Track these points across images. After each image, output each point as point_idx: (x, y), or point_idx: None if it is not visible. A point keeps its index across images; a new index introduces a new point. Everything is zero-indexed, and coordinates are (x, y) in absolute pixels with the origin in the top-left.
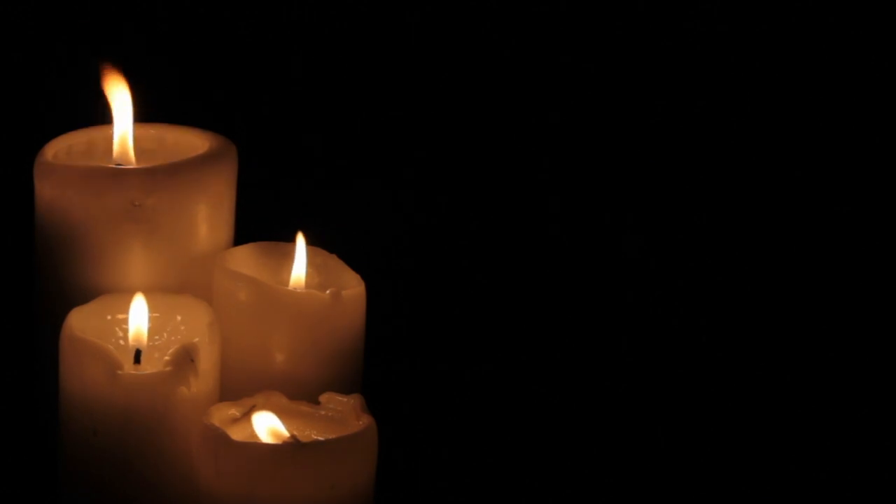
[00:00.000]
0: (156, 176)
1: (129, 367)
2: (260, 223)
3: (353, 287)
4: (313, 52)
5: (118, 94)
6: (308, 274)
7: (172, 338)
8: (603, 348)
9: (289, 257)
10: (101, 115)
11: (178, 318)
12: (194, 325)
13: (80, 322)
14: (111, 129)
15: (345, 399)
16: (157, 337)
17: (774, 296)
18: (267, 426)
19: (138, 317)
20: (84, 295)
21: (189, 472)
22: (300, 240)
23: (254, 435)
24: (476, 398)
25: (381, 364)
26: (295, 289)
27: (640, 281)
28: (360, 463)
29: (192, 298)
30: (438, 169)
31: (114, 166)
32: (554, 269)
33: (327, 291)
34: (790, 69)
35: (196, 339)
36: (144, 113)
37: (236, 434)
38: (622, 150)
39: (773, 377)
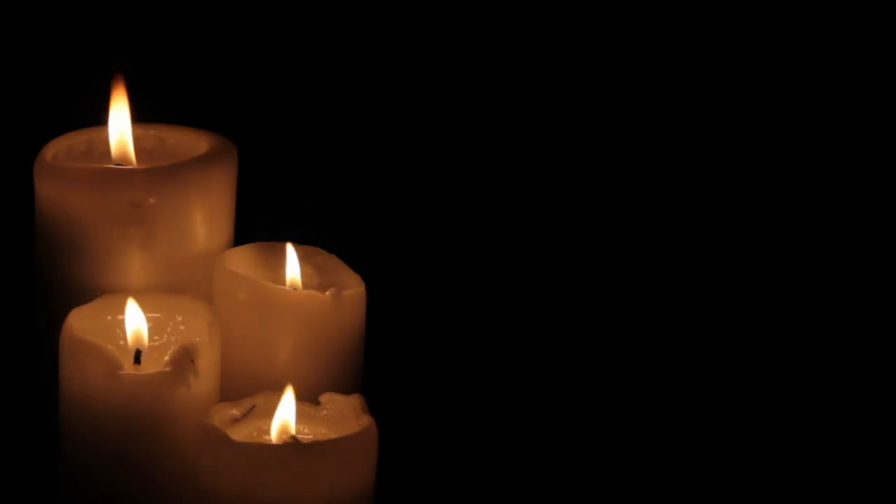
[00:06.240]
0: (156, 176)
1: (129, 368)
2: (260, 223)
3: (353, 287)
4: (313, 52)
5: (117, 98)
6: (308, 274)
7: (172, 338)
8: (604, 344)
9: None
10: (98, 115)
11: (178, 318)
12: (194, 325)
13: (80, 322)
14: (109, 129)
15: (345, 399)
16: (157, 337)
17: (774, 289)
18: (281, 419)
19: (134, 321)
20: (84, 295)
21: (189, 472)
22: (289, 247)
23: (254, 435)
24: (476, 398)
25: (381, 364)
26: (294, 289)
27: (641, 274)
28: (360, 463)
29: (191, 298)
30: (439, 169)
31: (114, 166)
32: (554, 264)
33: (327, 291)
34: (790, 67)
35: (196, 339)
36: (144, 113)
37: (236, 434)
38: (622, 144)
39: (773, 371)
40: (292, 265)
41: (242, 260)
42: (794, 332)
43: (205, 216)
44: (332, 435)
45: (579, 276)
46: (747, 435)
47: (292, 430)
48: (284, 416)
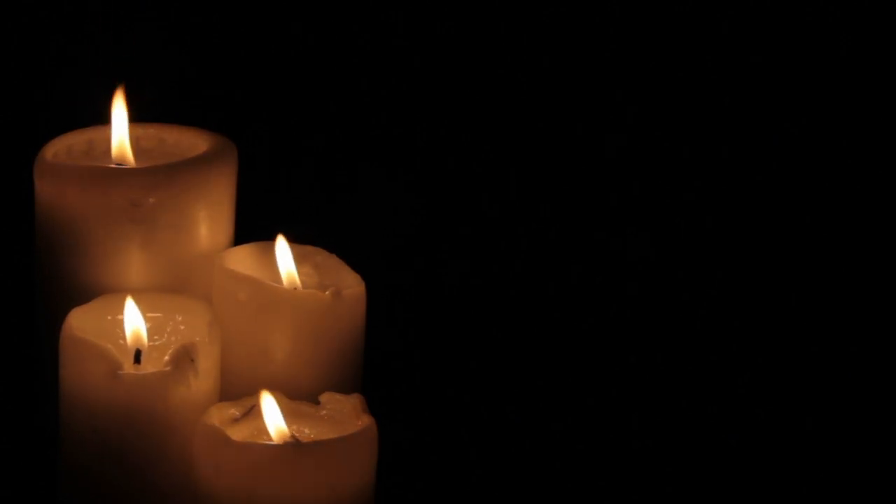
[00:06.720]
0: (156, 176)
1: (129, 367)
2: (260, 223)
3: (353, 287)
4: (313, 52)
5: (116, 100)
6: (308, 273)
7: (172, 338)
8: (604, 344)
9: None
10: (98, 115)
11: (178, 318)
12: (194, 325)
13: (80, 322)
14: (110, 129)
15: (345, 399)
16: (157, 337)
17: (774, 289)
18: (273, 423)
19: (133, 320)
20: (84, 295)
21: (188, 472)
22: (280, 240)
23: (254, 435)
24: (476, 398)
25: (381, 364)
26: (293, 288)
27: (641, 274)
28: (360, 463)
29: (192, 298)
30: (439, 169)
31: (114, 166)
32: (554, 264)
33: (327, 291)
34: (790, 67)
35: (196, 339)
36: (144, 113)
37: (236, 434)
38: (622, 144)
39: (773, 371)
40: (284, 260)
41: (242, 260)
42: (794, 332)
43: (205, 216)
44: (332, 435)
45: (579, 276)
46: (747, 435)
47: (285, 431)
48: (275, 422)
